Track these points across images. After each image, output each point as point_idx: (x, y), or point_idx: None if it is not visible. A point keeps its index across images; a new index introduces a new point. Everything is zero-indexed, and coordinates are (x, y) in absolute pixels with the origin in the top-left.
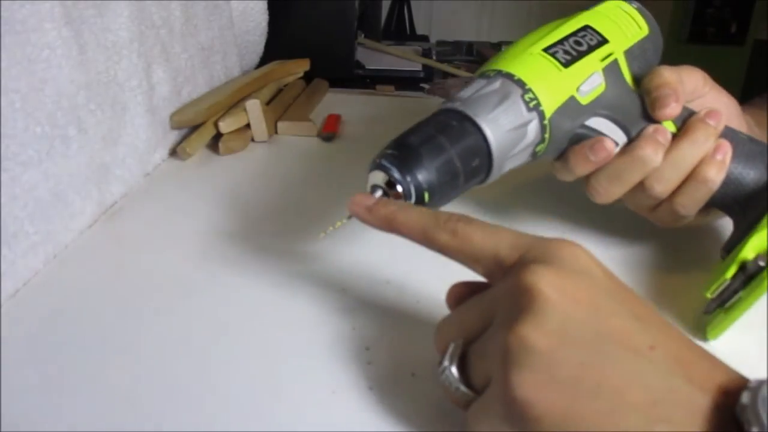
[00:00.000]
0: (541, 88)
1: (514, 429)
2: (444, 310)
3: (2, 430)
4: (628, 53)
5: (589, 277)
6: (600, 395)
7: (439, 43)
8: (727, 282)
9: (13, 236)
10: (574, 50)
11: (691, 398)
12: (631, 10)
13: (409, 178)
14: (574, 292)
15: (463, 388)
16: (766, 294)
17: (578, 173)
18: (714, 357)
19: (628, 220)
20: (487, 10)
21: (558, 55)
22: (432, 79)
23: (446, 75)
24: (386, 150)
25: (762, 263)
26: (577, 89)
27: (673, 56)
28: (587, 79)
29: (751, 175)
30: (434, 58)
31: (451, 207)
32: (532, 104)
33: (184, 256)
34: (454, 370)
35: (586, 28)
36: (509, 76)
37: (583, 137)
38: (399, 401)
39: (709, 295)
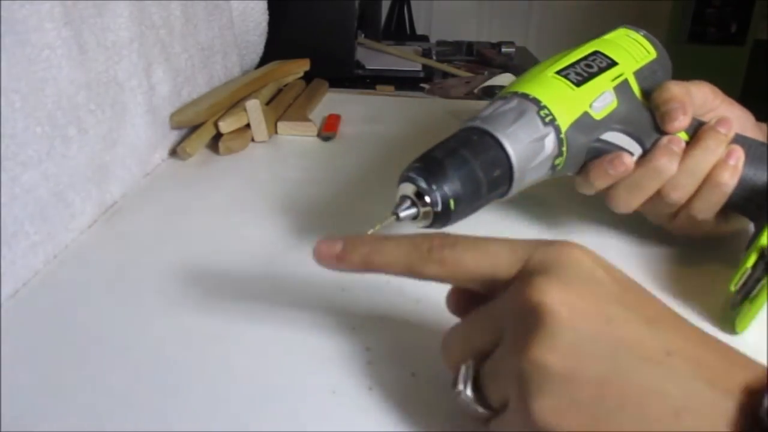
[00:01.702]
0: (555, 104)
1: None
2: (442, 312)
3: (2, 430)
4: (638, 74)
5: (595, 284)
6: (622, 411)
7: (439, 43)
8: (749, 271)
9: (13, 236)
10: (585, 72)
11: (714, 403)
12: (638, 36)
13: (435, 187)
14: (582, 305)
15: (480, 409)
16: None
17: (598, 186)
18: (734, 353)
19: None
20: (487, 10)
21: (570, 77)
22: (432, 79)
23: (446, 75)
24: (413, 163)
25: None
26: (590, 105)
27: (673, 56)
28: (599, 97)
29: (764, 176)
30: (434, 58)
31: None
32: (547, 119)
33: (184, 256)
34: (469, 392)
35: (595, 53)
36: (525, 96)
37: (600, 150)
38: (399, 401)
39: (733, 288)
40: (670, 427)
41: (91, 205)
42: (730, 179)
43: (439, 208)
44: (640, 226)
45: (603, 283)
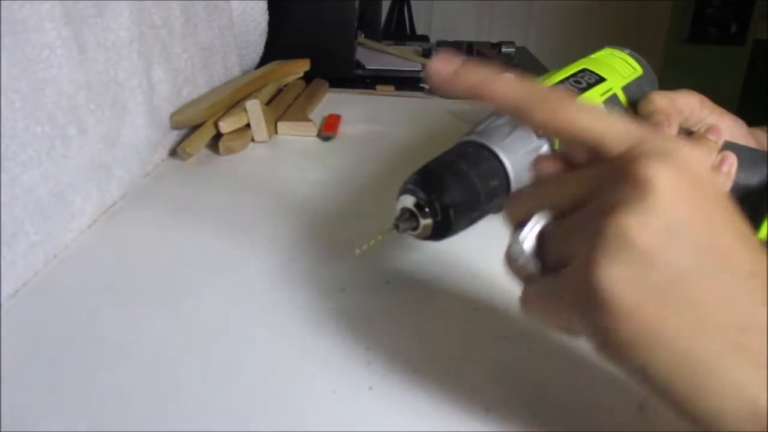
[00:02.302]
0: None
1: (580, 317)
2: (442, 312)
3: (2, 430)
4: (626, 89)
5: (704, 185)
6: (689, 310)
7: (439, 43)
8: None
9: (13, 236)
10: (574, 87)
11: None
12: (624, 55)
13: (434, 197)
14: (689, 197)
15: (533, 264)
16: None
17: None
18: None
19: None
20: (487, 10)
21: None
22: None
23: None
24: (412, 176)
25: None
26: None
27: (673, 56)
28: None
29: (756, 179)
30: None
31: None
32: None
33: (183, 256)
34: (531, 241)
35: (584, 70)
36: None
37: None
38: (399, 401)
39: None
40: (729, 341)
41: (91, 205)
42: (723, 185)
43: (440, 218)
44: None
45: (711, 187)
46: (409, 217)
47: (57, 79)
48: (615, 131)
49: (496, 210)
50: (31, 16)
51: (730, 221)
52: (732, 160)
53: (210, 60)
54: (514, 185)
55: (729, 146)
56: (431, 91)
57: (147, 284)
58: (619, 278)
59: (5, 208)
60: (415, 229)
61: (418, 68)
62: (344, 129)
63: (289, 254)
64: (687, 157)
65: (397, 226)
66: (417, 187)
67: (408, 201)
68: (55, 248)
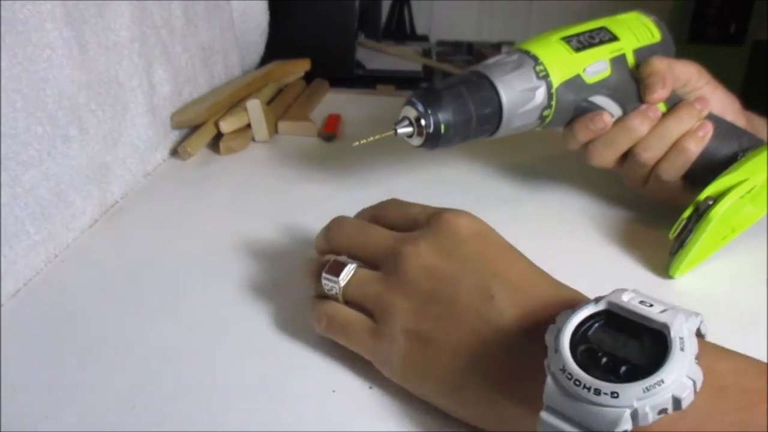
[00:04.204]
0: (551, 63)
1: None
2: None
3: (2, 430)
4: (637, 52)
5: (459, 240)
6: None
7: (439, 43)
8: (684, 221)
9: (14, 236)
10: (586, 41)
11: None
12: (647, 21)
13: (430, 112)
14: (468, 226)
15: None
16: (712, 228)
17: (580, 139)
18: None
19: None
20: (487, 10)
21: (572, 43)
22: (432, 79)
23: (446, 75)
24: (418, 90)
25: (710, 202)
26: (584, 70)
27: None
28: (593, 63)
29: (723, 150)
30: (434, 58)
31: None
32: (541, 74)
33: (184, 255)
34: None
35: (601, 28)
36: (526, 52)
37: (586, 110)
38: (399, 401)
39: (671, 236)
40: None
41: (92, 204)
42: (695, 147)
43: (431, 130)
44: (617, 196)
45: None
46: (407, 124)
47: (58, 78)
48: (422, 209)
49: (488, 134)
50: (32, 16)
51: (482, 257)
52: (708, 128)
53: (211, 60)
54: (506, 116)
55: (711, 117)
56: None
57: (147, 284)
58: (419, 251)
59: (6, 208)
60: (410, 136)
61: (418, 68)
62: (345, 129)
63: (290, 253)
64: (459, 212)
65: (395, 130)
66: (418, 100)
67: (410, 111)
68: (56, 248)
